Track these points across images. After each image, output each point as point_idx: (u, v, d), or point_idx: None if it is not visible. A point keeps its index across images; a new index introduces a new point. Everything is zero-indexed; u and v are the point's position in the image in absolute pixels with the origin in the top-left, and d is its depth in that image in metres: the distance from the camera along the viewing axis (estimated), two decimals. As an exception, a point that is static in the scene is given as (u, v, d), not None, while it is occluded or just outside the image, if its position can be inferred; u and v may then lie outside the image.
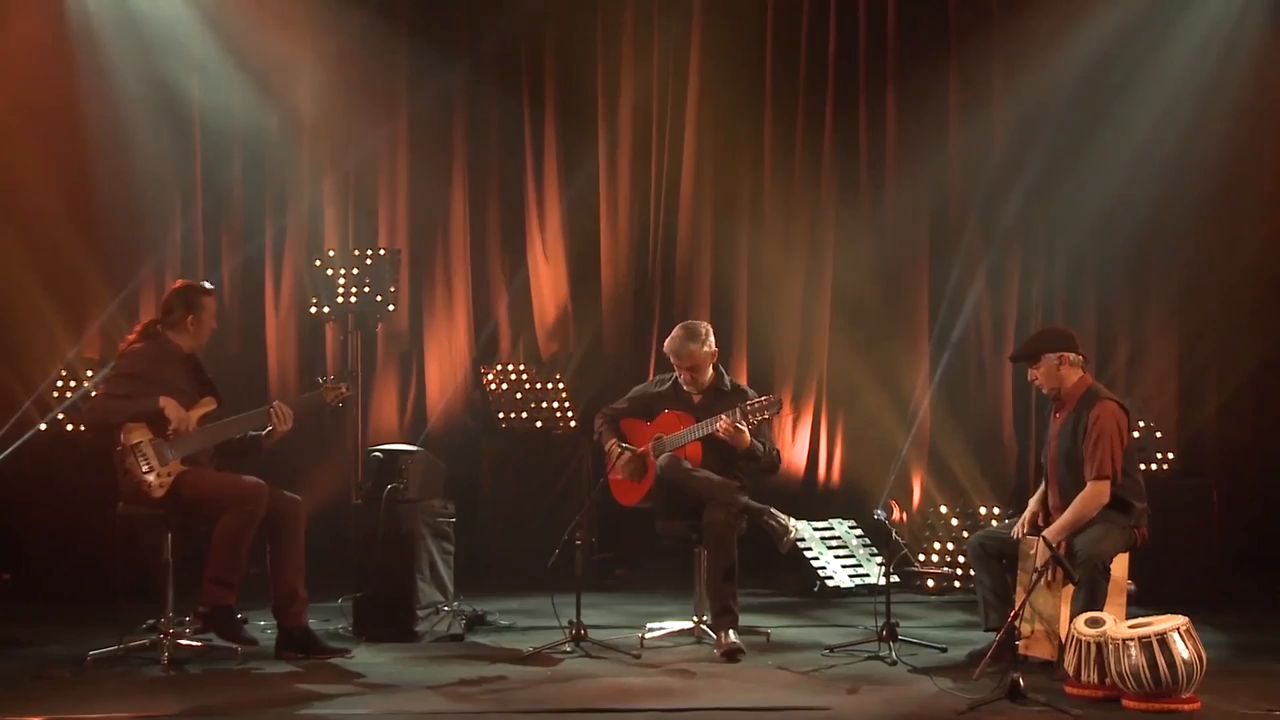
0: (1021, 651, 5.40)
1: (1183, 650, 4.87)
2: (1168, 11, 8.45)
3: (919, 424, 8.65)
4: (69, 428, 7.82)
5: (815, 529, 8.10)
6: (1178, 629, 4.92)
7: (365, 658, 5.85)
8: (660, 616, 6.52)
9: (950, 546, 7.91)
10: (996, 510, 7.83)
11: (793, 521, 6.10)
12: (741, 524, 6.04)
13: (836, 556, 7.99)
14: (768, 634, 6.29)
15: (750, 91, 9.03)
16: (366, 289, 8.17)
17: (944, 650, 5.92)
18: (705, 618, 6.14)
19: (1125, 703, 4.94)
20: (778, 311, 9.00)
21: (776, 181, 9.03)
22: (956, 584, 7.77)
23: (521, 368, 8.79)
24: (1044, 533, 5.52)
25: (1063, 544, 5.41)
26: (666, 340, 6.33)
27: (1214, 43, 8.45)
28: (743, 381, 7.39)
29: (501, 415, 8.63)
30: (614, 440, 6.31)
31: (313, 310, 8.38)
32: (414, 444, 7.27)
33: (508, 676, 5.49)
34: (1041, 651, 5.50)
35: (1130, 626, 5.00)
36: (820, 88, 9.00)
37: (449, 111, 9.06)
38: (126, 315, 8.21)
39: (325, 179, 8.89)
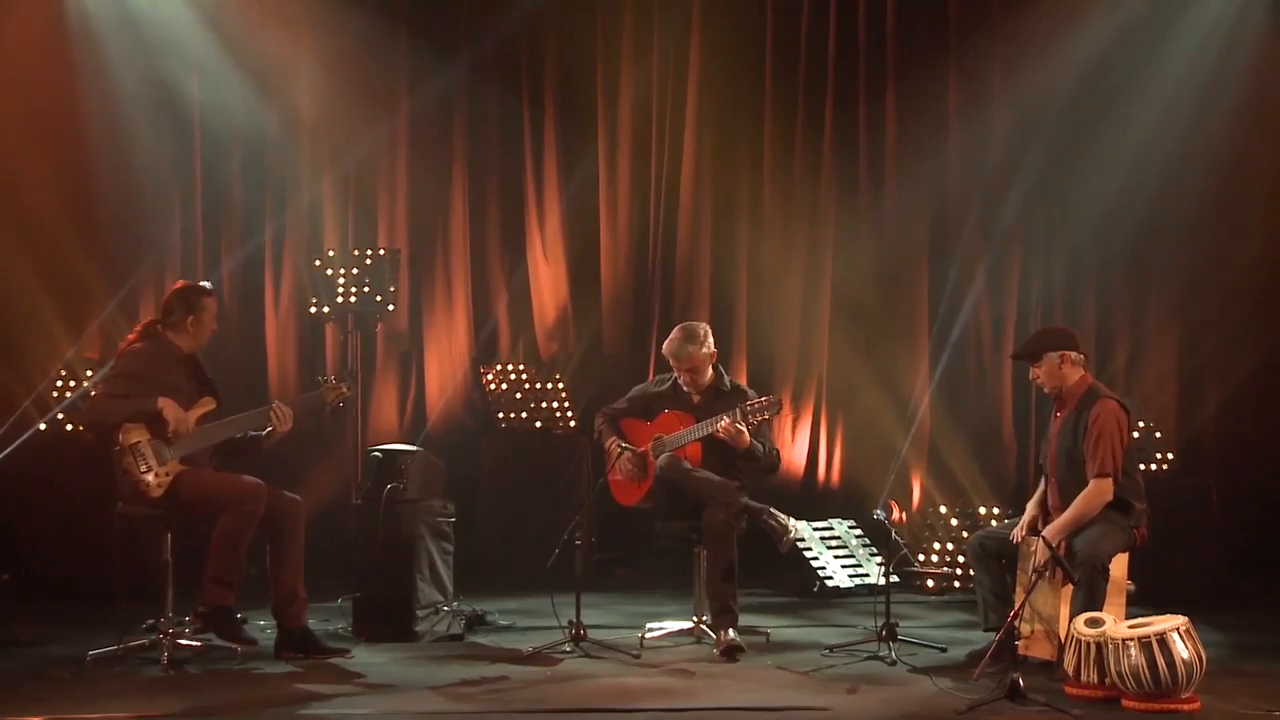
0: (1021, 651, 5.40)
1: (1182, 650, 4.88)
2: (1167, 11, 8.45)
3: (918, 424, 8.65)
4: (68, 427, 7.82)
5: (815, 529, 8.10)
6: (1177, 629, 4.92)
7: (365, 658, 5.84)
8: (660, 616, 6.52)
9: (950, 546, 7.91)
10: (996, 510, 7.83)
11: (792, 521, 6.10)
12: (741, 524, 6.05)
13: (836, 556, 7.99)
14: (767, 634, 6.29)
15: (750, 91, 9.03)
16: (366, 289, 8.17)
17: (944, 650, 5.92)
18: (705, 618, 6.14)
19: (1125, 703, 4.94)
20: (777, 311, 9.00)
21: (776, 181, 9.03)
22: (956, 584, 7.77)
23: (521, 368, 8.79)
24: (1044, 530, 5.53)
25: (1062, 544, 5.41)
26: (665, 342, 6.32)
27: (1213, 42, 8.45)
28: (742, 381, 7.39)
29: (501, 415, 8.63)
30: (614, 439, 6.31)
31: (312, 310, 8.38)
32: (414, 444, 7.26)
33: (507, 676, 5.49)
34: (1041, 652, 5.50)
35: (1130, 626, 5.00)
36: (820, 87, 8.99)
37: (449, 111, 9.05)
38: (126, 315, 8.21)
39: (325, 179, 8.88)
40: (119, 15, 8.41)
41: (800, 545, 7.82)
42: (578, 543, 6.06)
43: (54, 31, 8.32)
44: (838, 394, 8.93)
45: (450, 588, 6.51)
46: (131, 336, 5.95)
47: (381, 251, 8.32)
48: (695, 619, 6.22)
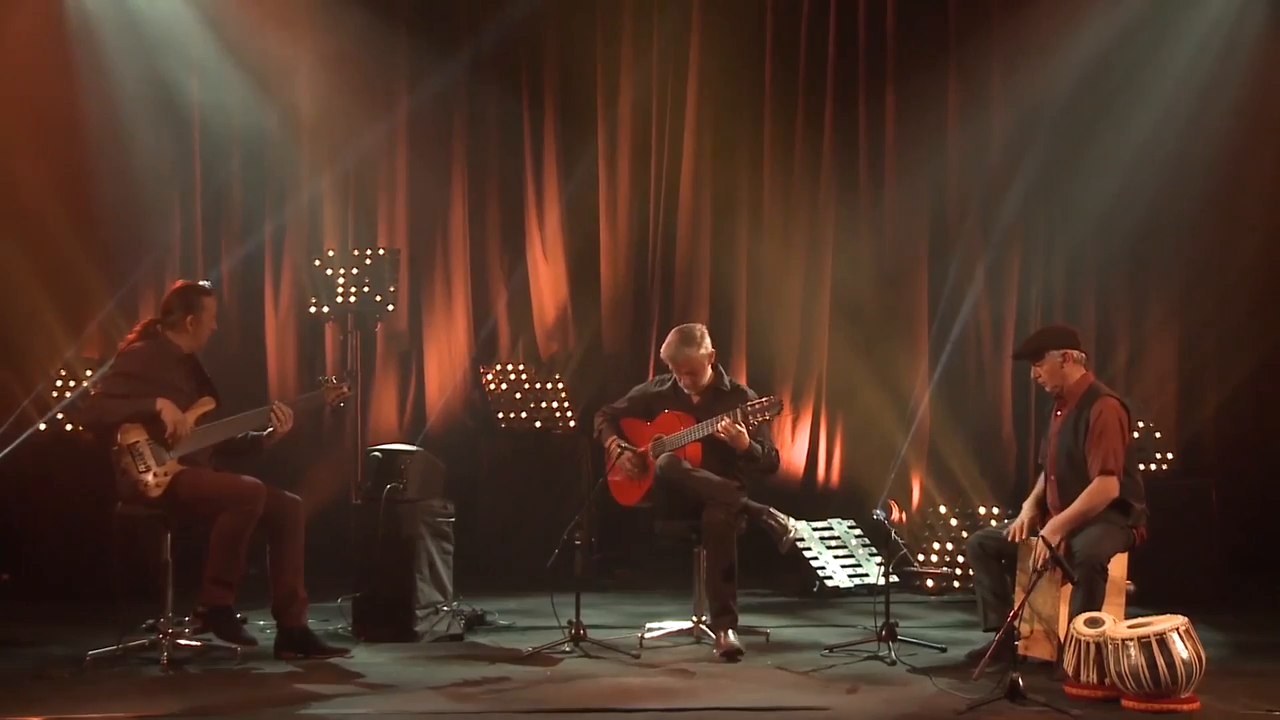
0: (1021, 652, 5.40)
1: (1182, 650, 4.87)
2: (1167, 11, 8.45)
3: (918, 424, 8.66)
4: (68, 427, 7.82)
5: (814, 529, 8.10)
6: (1177, 629, 4.92)
7: (364, 658, 5.84)
8: (659, 616, 6.52)
9: (949, 546, 7.91)
10: (996, 510, 7.83)
11: (792, 521, 6.10)
12: (741, 524, 6.04)
13: (836, 556, 7.99)
14: (767, 634, 6.29)
15: (750, 91, 9.03)
16: (366, 289, 8.17)
17: (943, 650, 5.92)
18: (705, 618, 6.14)
19: (1124, 703, 4.94)
20: (777, 311, 9.00)
21: (776, 181, 9.03)
22: (956, 584, 7.77)
23: (521, 368, 8.79)
24: (1048, 524, 5.52)
25: (1062, 544, 5.41)
26: (663, 347, 6.31)
27: (1213, 42, 8.45)
28: (742, 381, 7.39)
29: (501, 415, 8.63)
30: (614, 439, 6.31)
31: (312, 310, 8.37)
32: (413, 444, 7.26)
33: (507, 676, 5.48)
34: (1041, 652, 5.50)
35: (1129, 626, 5.00)
36: (819, 87, 9.00)
37: (448, 111, 9.05)
38: (125, 314, 8.20)
39: (325, 178, 8.88)
40: (118, 15, 8.42)
41: (800, 545, 7.82)
42: (577, 543, 6.06)
43: (53, 31, 8.32)
44: (837, 394, 8.93)
45: (450, 588, 6.50)
46: (131, 336, 5.95)
47: (381, 251, 8.32)
48: (695, 619, 6.22)
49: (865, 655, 5.81)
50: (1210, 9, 8.44)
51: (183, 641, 5.74)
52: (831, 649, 5.99)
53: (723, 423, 5.97)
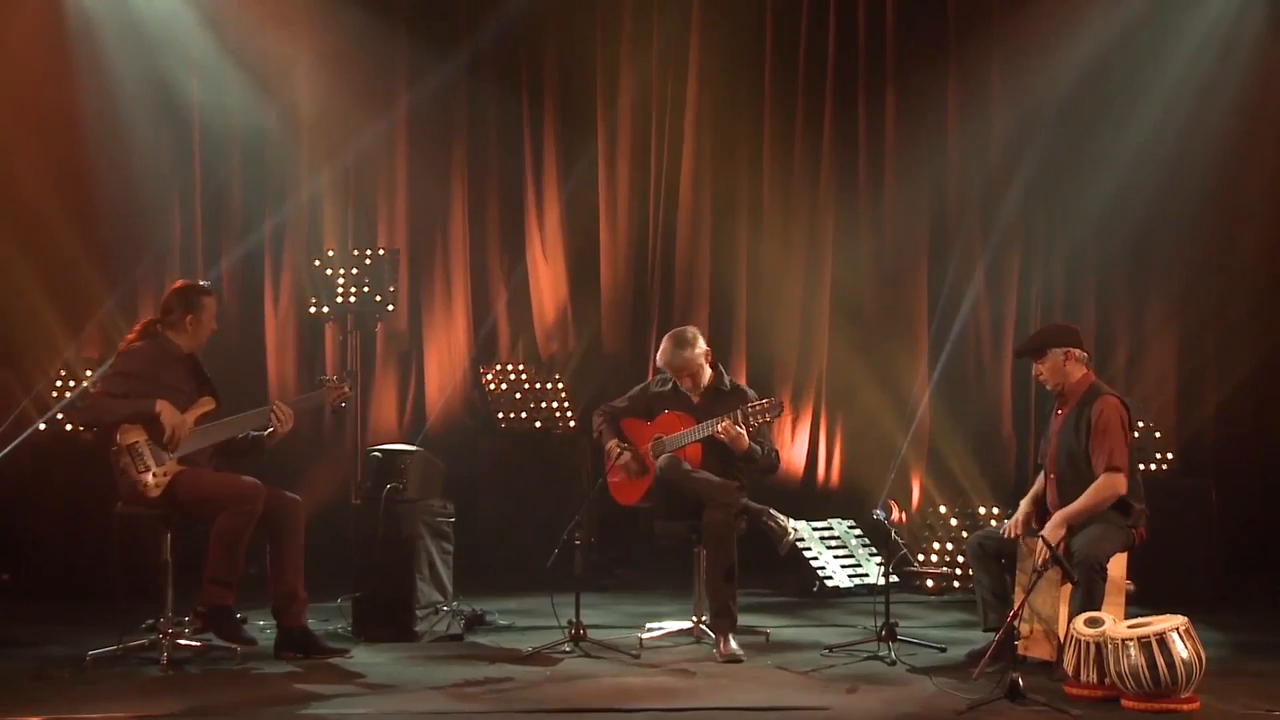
0: (1020, 651, 5.40)
1: (1182, 650, 4.88)
2: (1167, 11, 8.45)
3: (918, 423, 8.66)
4: (68, 427, 7.81)
5: (814, 529, 8.10)
6: (1177, 629, 4.92)
7: (364, 658, 5.84)
8: (659, 616, 6.53)
9: (949, 546, 7.91)
10: (995, 510, 7.83)
11: (792, 522, 6.10)
12: (741, 524, 6.04)
13: (836, 556, 7.99)
14: (767, 634, 6.29)
15: (749, 91, 9.03)
16: (365, 289, 8.16)
17: (943, 650, 5.92)
18: (704, 618, 6.14)
19: (1124, 702, 4.94)
20: (777, 311, 9.00)
21: (775, 181, 9.03)
22: (955, 584, 7.78)
23: (521, 367, 8.79)
24: (1051, 518, 5.52)
25: (1062, 544, 5.41)
26: (658, 354, 6.30)
27: (1212, 42, 8.45)
28: (742, 381, 7.39)
29: (501, 415, 8.63)
30: (614, 440, 6.30)
31: (312, 310, 8.37)
32: (413, 444, 7.26)
33: (507, 676, 5.48)
34: (1040, 651, 5.50)
35: (1129, 626, 5.00)
36: (819, 87, 9.00)
37: (448, 111, 9.05)
38: (125, 314, 8.20)
39: (324, 178, 8.88)
40: (118, 14, 8.40)
41: (800, 545, 7.83)
42: (577, 542, 6.06)
43: (53, 31, 8.32)
44: (837, 394, 8.93)
45: (450, 587, 6.50)
46: (131, 336, 5.94)
47: (381, 251, 8.31)
48: (695, 619, 6.22)
49: (865, 655, 5.81)
50: (1210, 9, 8.45)
51: (183, 641, 5.74)
52: (831, 649, 5.99)
53: (723, 424, 5.96)
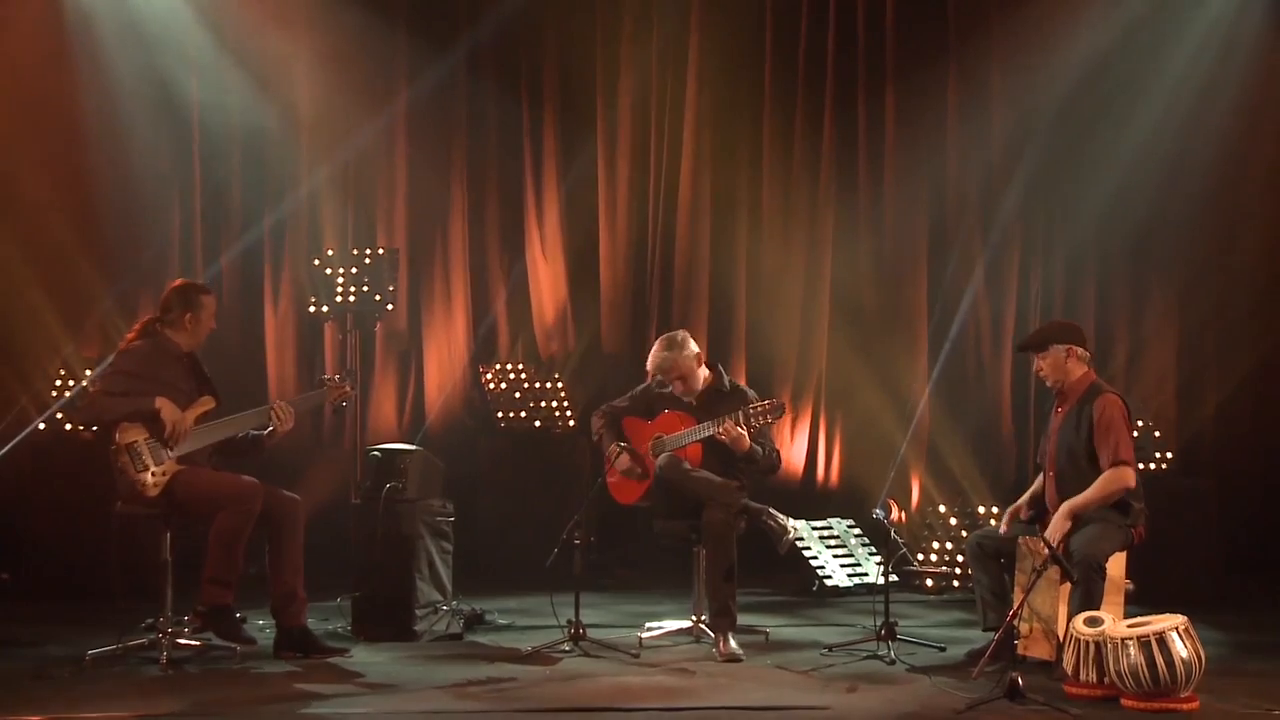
0: (1020, 651, 5.40)
1: (1181, 649, 4.88)
2: (1167, 11, 8.46)
3: (917, 423, 8.66)
4: (67, 426, 7.81)
5: (814, 528, 8.10)
6: (1176, 628, 4.92)
7: (364, 657, 5.84)
8: (659, 616, 6.52)
9: (949, 546, 7.91)
10: (995, 509, 7.83)
11: (791, 522, 6.09)
12: (740, 524, 6.04)
13: (835, 556, 7.99)
14: (767, 633, 6.29)
15: (749, 91, 9.03)
16: (365, 288, 8.16)
17: (943, 649, 5.92)
18: (704, 617, 6.14)
19: (1124, 702, 4.94)
20: (776, 311, 9.00)
21: (775, 181, 9.03)
22: (955, 583, 7.78)
23: (520, 367, 8.79)
24: (1059, 509, 5.51)
25: (1061, 543, 5.41)
26: (649, 360, 6.28)
27: (1212, 42, 8.46)
28: (742, 381, 7.38)
29: (500, 414, 8.63)
30: (614, 443, 6.29)
31: (311, 309, 8.36)
32: (412, 443, 7.26)
33: (507, 676, 5.48)
34: (1040, 651, 5.49)
35: (1129, 626, 5.00)
36: (819, 87, 9.00)
37: (447, 110, 9.05)
38: (124, 313, 8.20)
39: (323, 177, 8.88)
40: (117, 13, 8.40)
41: (799, 545, 7.83)
42: (577, 542, 6.05)
43: (52, 29, 8.31)
44: (837, 393, 8.93)
45: (449, 587, 6.49)
46: (130, 334, 5.93)
47: (380, 251, 8.31)
48: (694, 618, 6.21)
49: (865, 654, 5.81)
50: (1210, 9, 8.45)
51: (182, 641, 5.73)
52: (831, 648, 5.99)
53: (724, 424, 5.96)
